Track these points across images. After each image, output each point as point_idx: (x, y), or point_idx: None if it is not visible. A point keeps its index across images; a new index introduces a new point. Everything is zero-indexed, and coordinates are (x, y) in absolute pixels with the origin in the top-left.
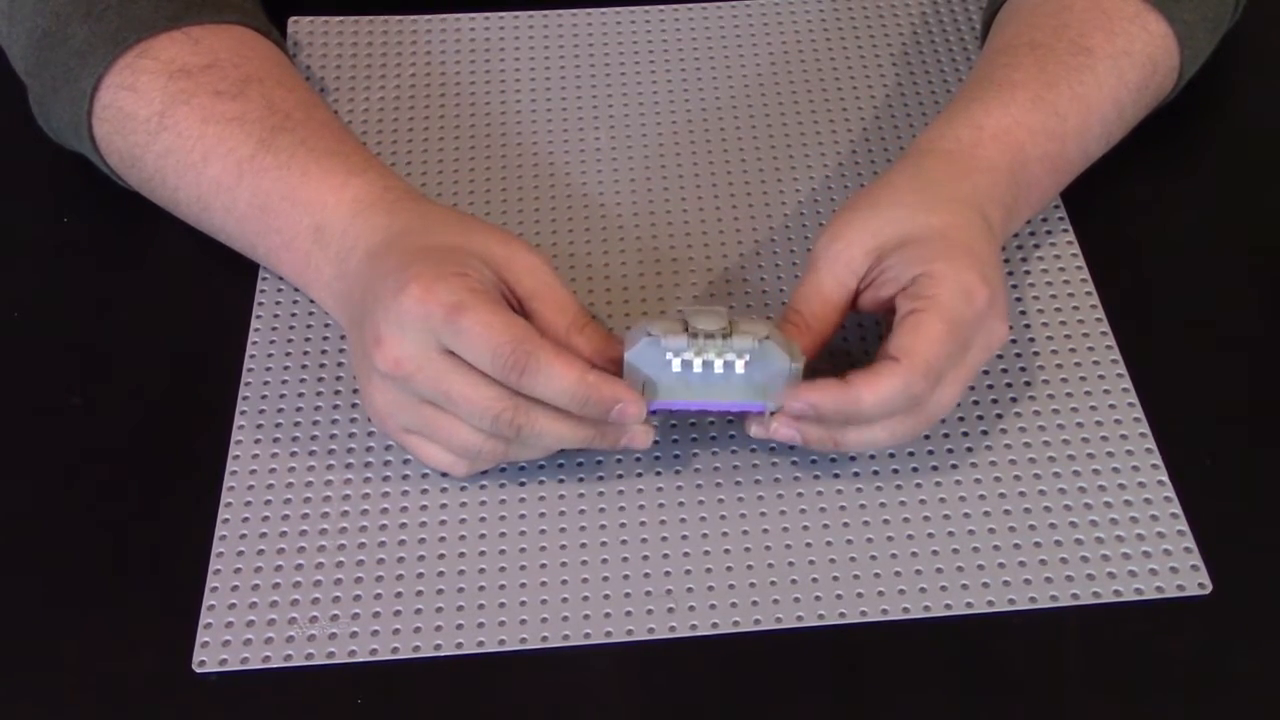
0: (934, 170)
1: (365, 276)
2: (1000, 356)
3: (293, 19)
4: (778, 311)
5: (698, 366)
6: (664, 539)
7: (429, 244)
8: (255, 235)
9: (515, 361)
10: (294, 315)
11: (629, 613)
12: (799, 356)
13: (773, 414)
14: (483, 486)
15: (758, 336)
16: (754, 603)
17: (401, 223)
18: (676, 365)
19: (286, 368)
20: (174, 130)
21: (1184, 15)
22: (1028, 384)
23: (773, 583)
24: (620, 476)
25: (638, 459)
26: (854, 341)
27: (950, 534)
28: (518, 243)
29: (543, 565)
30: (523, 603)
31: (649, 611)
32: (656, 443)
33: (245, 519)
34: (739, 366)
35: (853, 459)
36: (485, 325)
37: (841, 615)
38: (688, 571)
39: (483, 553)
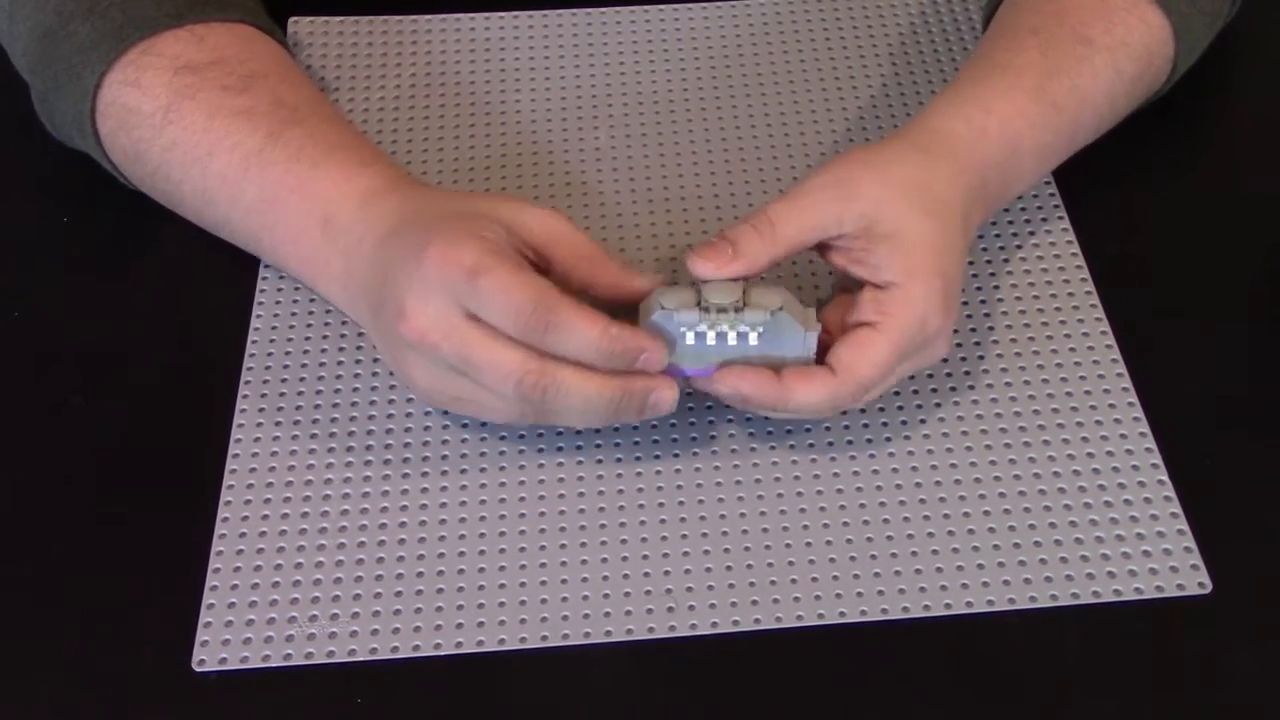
0: (939, 157)
1: (379, 261)
2: (1000, 356)
3: (293, 19)
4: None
5: (711, 339)
6: (664, 539)
7: (442, 214)
8: (261, 229)
9: (537, 320)
10: (294, 315)
11: (629, 613)
12: (814, 324)
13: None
14: (483, 485)
15: (771, 309)
16: (754, 602)
17: (412, 205)
18: (690, 338)
19: (286, 367)
20: (180, 124)
21: (1181, 8)
22: (1027, 384)
23: (773, 583)
24: (620, 476)
25: (637, 458)
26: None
27: (950, 534)
28: (524, 200)
29: (542, 565)
30: (523, 602)
31: (649, 611)
32: (656, 442)
33: (245, 518)
34: (752, 338)
35: (853, 457)
36: (505, 286)
37: (841, 615)
38: (688, 571)
39: (482, 552)
